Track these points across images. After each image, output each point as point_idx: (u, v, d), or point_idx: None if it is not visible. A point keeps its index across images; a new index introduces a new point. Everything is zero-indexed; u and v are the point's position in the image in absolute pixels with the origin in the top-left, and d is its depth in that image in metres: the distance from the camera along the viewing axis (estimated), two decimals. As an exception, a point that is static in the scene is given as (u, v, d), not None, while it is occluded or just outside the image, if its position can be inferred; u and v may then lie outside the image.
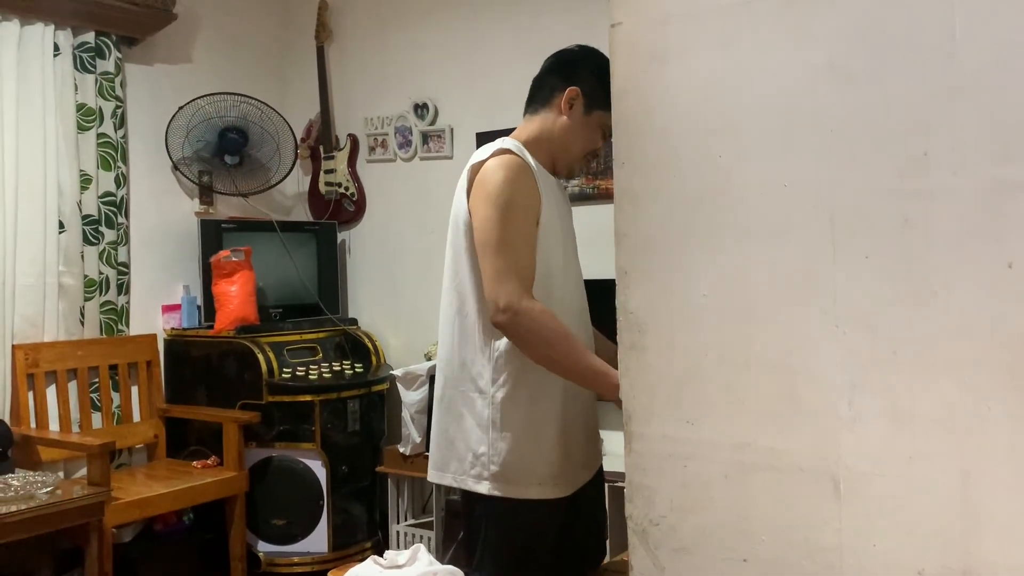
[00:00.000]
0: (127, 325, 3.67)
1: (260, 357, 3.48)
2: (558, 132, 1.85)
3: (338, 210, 4.14)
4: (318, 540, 3.50)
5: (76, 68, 3.48)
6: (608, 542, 2.11)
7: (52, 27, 3.38)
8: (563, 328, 1.71)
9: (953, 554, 0.94)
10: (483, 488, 1.75)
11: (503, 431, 1.74)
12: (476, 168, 1.77)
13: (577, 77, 1.85)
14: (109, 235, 3.56)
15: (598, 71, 1.78)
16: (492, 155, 1.76)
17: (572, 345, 1.71)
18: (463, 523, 1.84)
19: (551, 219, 1.79)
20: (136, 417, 3.63)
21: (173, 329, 3.79)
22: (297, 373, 3.54)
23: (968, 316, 0.92)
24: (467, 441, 1.78)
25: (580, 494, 1.85)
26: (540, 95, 1.89)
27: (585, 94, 1.83)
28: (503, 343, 1.75)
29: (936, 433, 0.94)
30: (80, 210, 3.47)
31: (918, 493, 0.95)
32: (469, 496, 1.79)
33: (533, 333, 1.69)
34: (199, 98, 3.83)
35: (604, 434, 3.34)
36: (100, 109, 3.54)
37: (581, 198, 3.43)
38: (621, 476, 1.21)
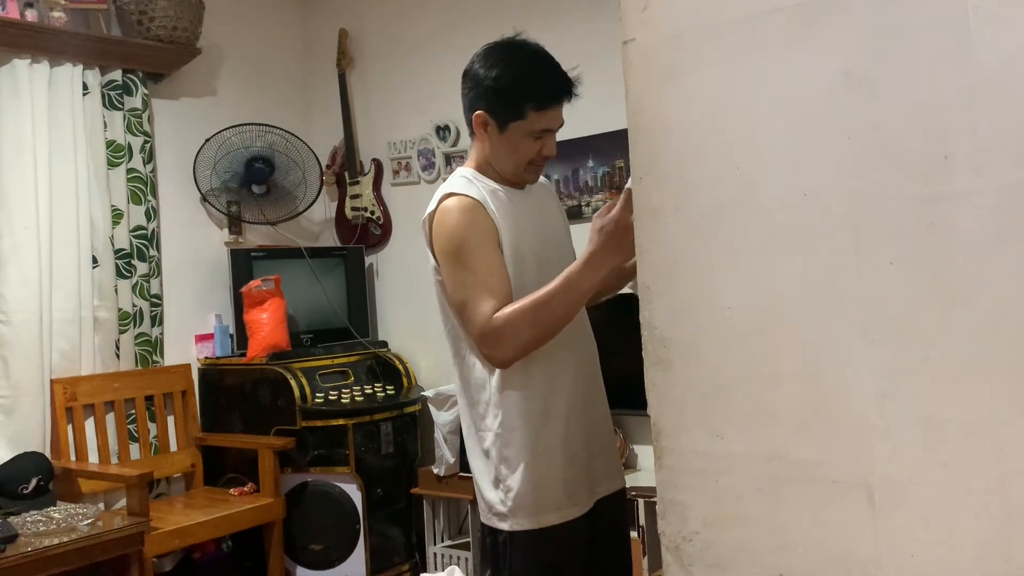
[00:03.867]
0: (161, 356, 3.72)
1: (293, 383, 3.50)
2: (490, 154, 1.81)
3: (365, 234, 4.17)
4: (356, 564, 3.51)
5: (105, 106, 3.56)
6: (646, 560, 2.09)
7: (80, 67, 3.46)
8: (528, 305, 1.63)
9: (994, 561, 0.92)
10: (505, 526, 1.76)
11: (510, 467, 1.74)
12: (430, 220, 1.76)
13: (477, 100, 1.78)
14: (141, 268, 3.62)
15: (494, 84, 1.74)
16: (439, 203, 1.74)
17: (548, 306, 1.62)
18: (488, 554, 1.85)
19: (519, 237, 1.75)
20: (173, 447, 3.68)
21: (206, 358, 3.84)
22: (330, 397, 3.56)
23: (997, 319, 0.91)
24: (485, 480, 1.79)
25: (602, 508, 1.84)
26: (466, 122, 1.84)
27: (492, 113, 1.76)
28: (494, 381, 1.75)
29: (971, 439, 0.92)
30: (112, 244, 3.53)
31: (955, 501, 0.93)
32: (492, 529, 1.80)
33: (517, 335, 1.63)
34: (225, 130, 3.89)
35: (637, 448, 3.34)
36: (129, 145, 3.61)
37: (606, 213, 3.43)
38: (654, 491, 1.20)
